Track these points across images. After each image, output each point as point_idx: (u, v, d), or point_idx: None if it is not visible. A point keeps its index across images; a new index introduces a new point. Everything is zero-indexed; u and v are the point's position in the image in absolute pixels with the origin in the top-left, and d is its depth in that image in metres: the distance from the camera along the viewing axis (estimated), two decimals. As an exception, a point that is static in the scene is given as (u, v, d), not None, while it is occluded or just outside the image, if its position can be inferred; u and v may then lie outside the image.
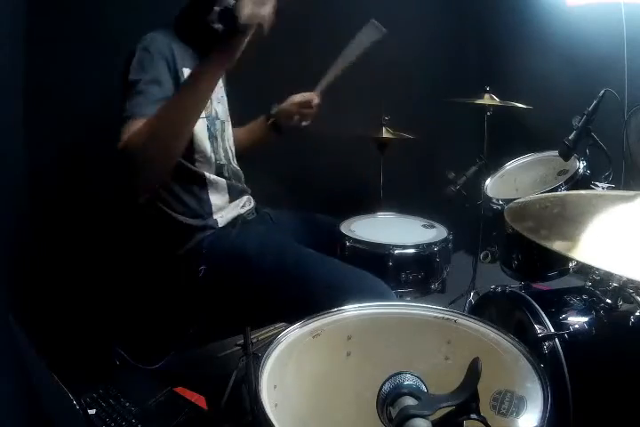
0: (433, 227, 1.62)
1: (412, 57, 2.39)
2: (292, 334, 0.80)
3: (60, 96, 1.49)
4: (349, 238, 1.46)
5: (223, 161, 1.39)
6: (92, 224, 1.62)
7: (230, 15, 1.18)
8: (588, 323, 1.10)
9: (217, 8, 1.21)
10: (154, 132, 1.05)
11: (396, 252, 1.42)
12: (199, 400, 1.23)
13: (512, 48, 2.64)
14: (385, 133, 2.05)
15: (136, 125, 1.08)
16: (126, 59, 1.19)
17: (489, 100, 1.94)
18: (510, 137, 2.23)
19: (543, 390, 0.66)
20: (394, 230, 1.59)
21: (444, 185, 1.97)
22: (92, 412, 1.12)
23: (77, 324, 1.57)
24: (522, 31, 2.57)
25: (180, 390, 1.25)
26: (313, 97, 1.56)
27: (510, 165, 1.81)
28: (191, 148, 1.27)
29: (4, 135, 1.28)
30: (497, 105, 1.96)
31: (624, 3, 2.10)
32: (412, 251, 1.44)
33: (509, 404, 0.67)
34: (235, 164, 1.47)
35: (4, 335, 0.98)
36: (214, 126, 1.36)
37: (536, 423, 0.61)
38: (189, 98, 1.09)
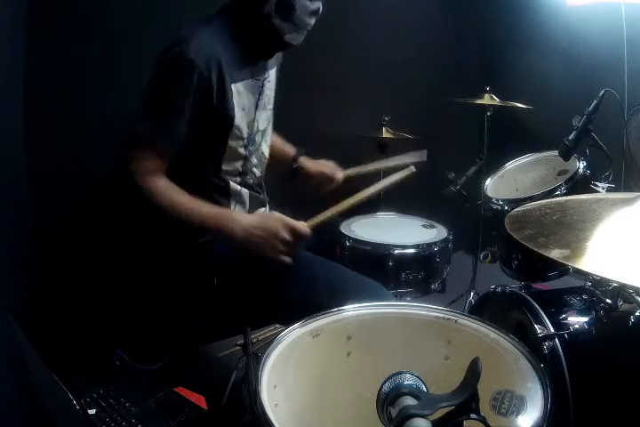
0: (433, 227, 1.62)
1: (412, 57, 2.39)
2: (292, 334, 0.80)
3: (60, 96, 1.49)
4: (349, 238, 1.46)
5: (251, 170, 1.33)
6: (93, 224, 1.62)
7: (288, 7, 1.13)
8: (588, 323, 1.10)
9: None
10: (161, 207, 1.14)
11: (396, 252, 1.42)
12: (199, 400, 1.23)
13: (512, 48, 2.64)
14: (385, 133, 2.05)
15: (147, 156, 1.11)
16: (162, 56, 1.09)
17: (489, 100, 1.94)
18: (510, 137, 2.22)
19: (543, 390, 0.66)
20: (394, 230, 1.59)
21: (444, 185, 1.96)
22: (92, 412, 1.12)
23: (78, 324, 1.57)
24: (522, 31, 2.56)
25: (179, 390, 1.25)
26: (338, 178, 1.50)
27: (510, 165, 1.81)
28: (220, 160, 1.24)
29: (4, 135, 1.28)
30: (497, 105, 1.96)
31: (624, 3, 2.10)
32: (411, 251, 1.44)
33: (509, 404, 0.67)
34: (261, 171, 1.38)
35: (4, 335, 0.98)
36: (253, 145, 1.29)
37: (536, 423, 0.61)
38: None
